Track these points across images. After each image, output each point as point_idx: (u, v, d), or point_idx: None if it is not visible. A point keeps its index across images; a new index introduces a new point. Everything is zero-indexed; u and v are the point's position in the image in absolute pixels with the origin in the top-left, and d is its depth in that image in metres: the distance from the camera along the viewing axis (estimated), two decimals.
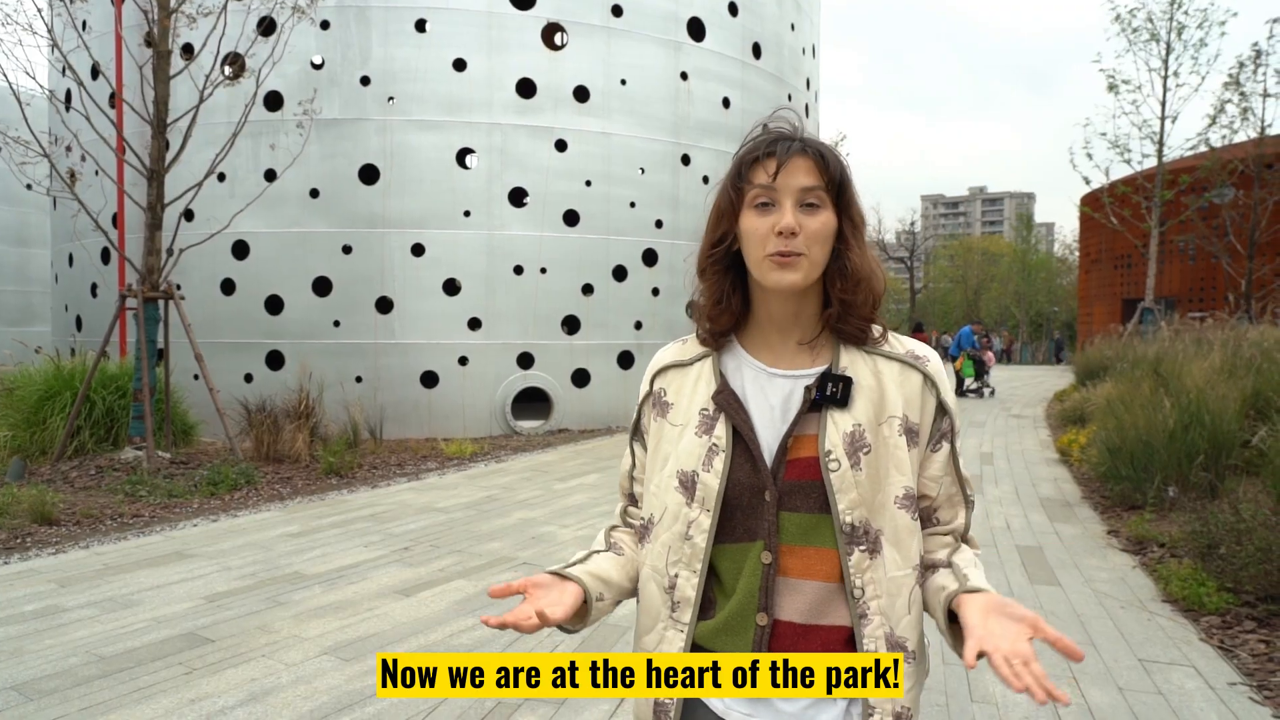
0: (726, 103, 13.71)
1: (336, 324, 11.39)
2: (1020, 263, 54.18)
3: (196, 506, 6.91)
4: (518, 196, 12.11)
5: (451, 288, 11.73)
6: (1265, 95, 21.40)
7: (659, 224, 12.87)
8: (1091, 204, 21.69)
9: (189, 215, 11.17)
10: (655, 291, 12.86)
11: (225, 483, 7.43)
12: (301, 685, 3.49)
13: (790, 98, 15.24)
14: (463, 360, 11.61)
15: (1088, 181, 20.86)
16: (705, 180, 13.41)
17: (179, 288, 11.02)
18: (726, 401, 1.33)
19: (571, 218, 12.20)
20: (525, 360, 11.93)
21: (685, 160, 13.16)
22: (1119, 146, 20.26)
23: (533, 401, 12.29)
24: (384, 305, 11.48)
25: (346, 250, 11.40)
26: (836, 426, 1.27)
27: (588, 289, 12.31)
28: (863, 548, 1.26)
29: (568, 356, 12.19)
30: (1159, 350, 10.05)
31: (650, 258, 12.86)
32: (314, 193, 11.38)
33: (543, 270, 11.96)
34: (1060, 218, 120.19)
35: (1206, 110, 20.52)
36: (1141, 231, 20.62)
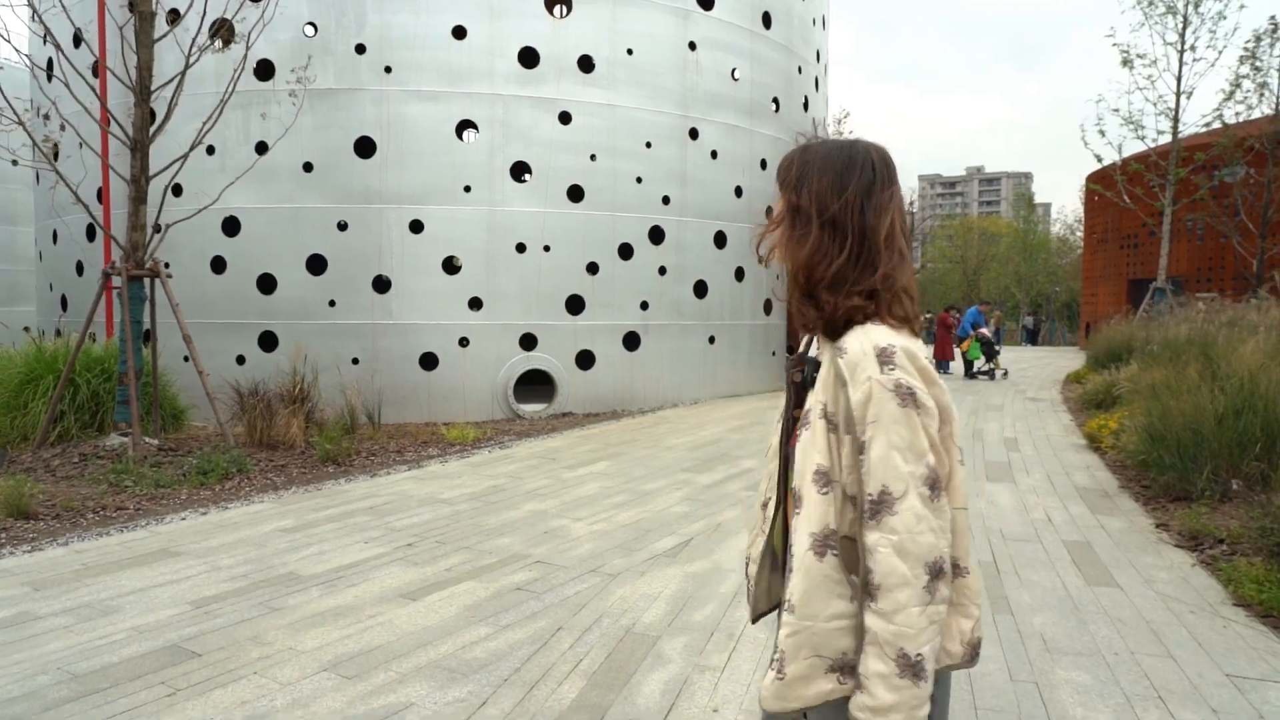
0: (735, 74, 13.22)
1: (332, 304, 10.95)
2: (1021, 243, 53.79)
3: (185, 498, 6.50)
4: (520, 171, 11.64)
5: (451, 266, 11.29)
6: None
7: (666, 200, 12.42)
8: (1103, 182, 21.24)
9: (177, 190, 10.70)
10: (662, 270, 12.43)
11: (216, 472, 7.03)
12: (298, 709, 3.11)
13: (800, 70, 14.75)
14: (463, 341, 11.19)
15: (1099, 159, 20.45)
16: (714, 155, 12.94)
17: (167, 265, 10.58)
18: (788, 372, 1.57)
19: (576, 193, 11.74)
20: (528, 341, 11.52)
21: (693, 134, 12.69)
22: (1132, 123, 19.82)
23: (536, 384, 11.89)
24: (381, 284, 11.04)
25: (342, 227, 10.94)
26: (806, 405, 1.46)
27: (592, 267, 11.88)
28: (798, 512, 1.40)
29: (572, 337, 11.78)
30: (1190, 331, 9.67)
31: (657, 235, 12.42)
32: (307, 166, 10.91)
33: (546, 248, 11.52)
34: (1056, 196, 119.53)
35: (1222, 86, 19.98)
36: (1153, 210, 20.21)
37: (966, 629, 1.42)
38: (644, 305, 12.30)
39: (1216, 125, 20.05)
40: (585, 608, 4.19)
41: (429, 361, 11.13)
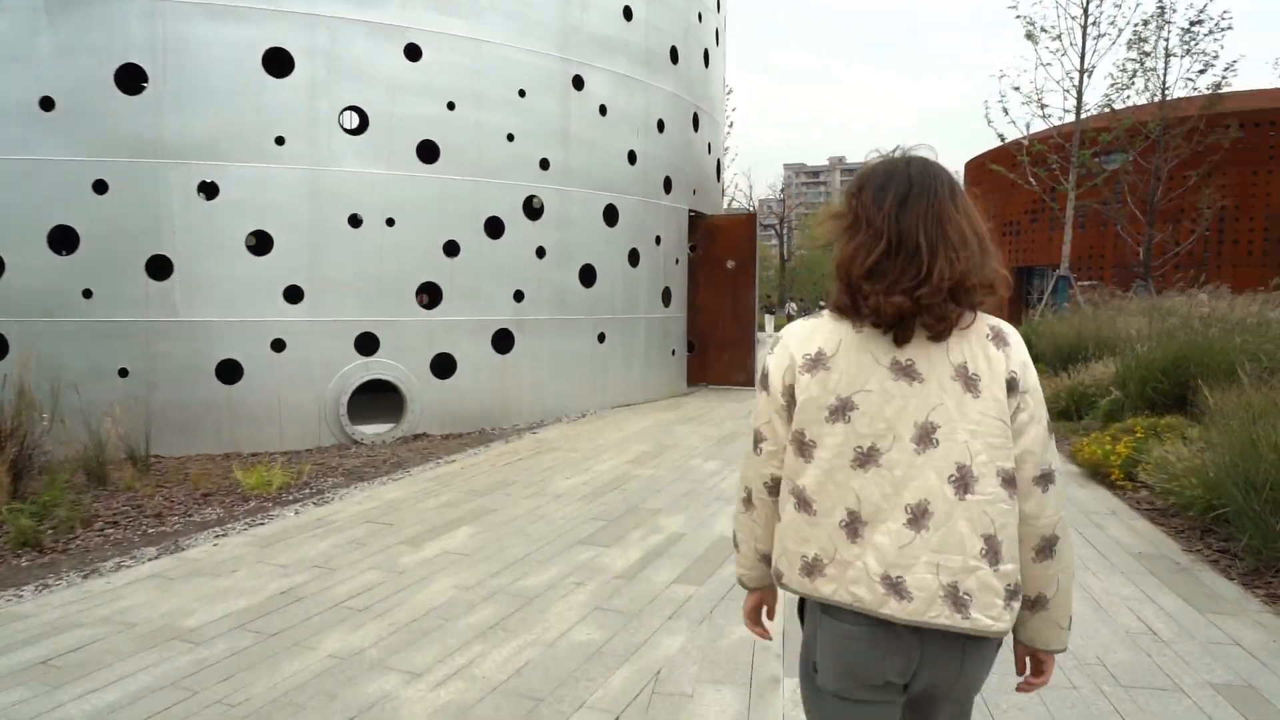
0: (628, 13, 10.87)
1: (88, 294, 7.96)
2: None
3: None
4: (354, 120, 8.93)
5: (260, 244, 8.48)
6: (1168, 55, 20.51)
7: (545, 164, 9.97)
8: (1002, 162, 20.20)
9: None
10: (540, 252, 9.99)
11: None
12: None
13: (700, 18, 12.55)
14: (278, 344, 8.43)
15: (1002, 138, 19.39)
16: (603, 111, 10.57)
17: None
18: None
19: (429, 151, 9.14)
20: (367, 343, 8.85)
21: (578, 83, 10.27)
22: (1034, 101, 18.84)
23: (379, 393, 9.26)
24: (160, 268, 8.13)
25: (100, 188, 7.95)
26: None
27: (451, 248, 9.31)
28: None
29: (425, 337, 9.18)
30: (1180, 326, 8.08)
31: (534, 208, 9.97)
32: (47, 104, 7.84)
33: (389, 222, 8.87)
34: None
35: (1110, 70, 19.30)
36: (1055, 193, 19.31)
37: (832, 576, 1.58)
38: (518, 296, 9.84)
39: (1110, 110, 19.40)
40: None
41: (230, 372, 8.31)
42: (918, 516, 1.50)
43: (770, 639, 1.89)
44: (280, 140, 8.36)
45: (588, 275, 10.65)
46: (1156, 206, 20.70)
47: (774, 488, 1.66)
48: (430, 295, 9.41)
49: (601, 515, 5.81)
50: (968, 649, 1.53)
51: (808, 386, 1.56)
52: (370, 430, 8.95)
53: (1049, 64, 19.07)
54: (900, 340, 1.54)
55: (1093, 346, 10.04)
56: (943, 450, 1.50)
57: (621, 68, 10.77)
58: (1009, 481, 1.51)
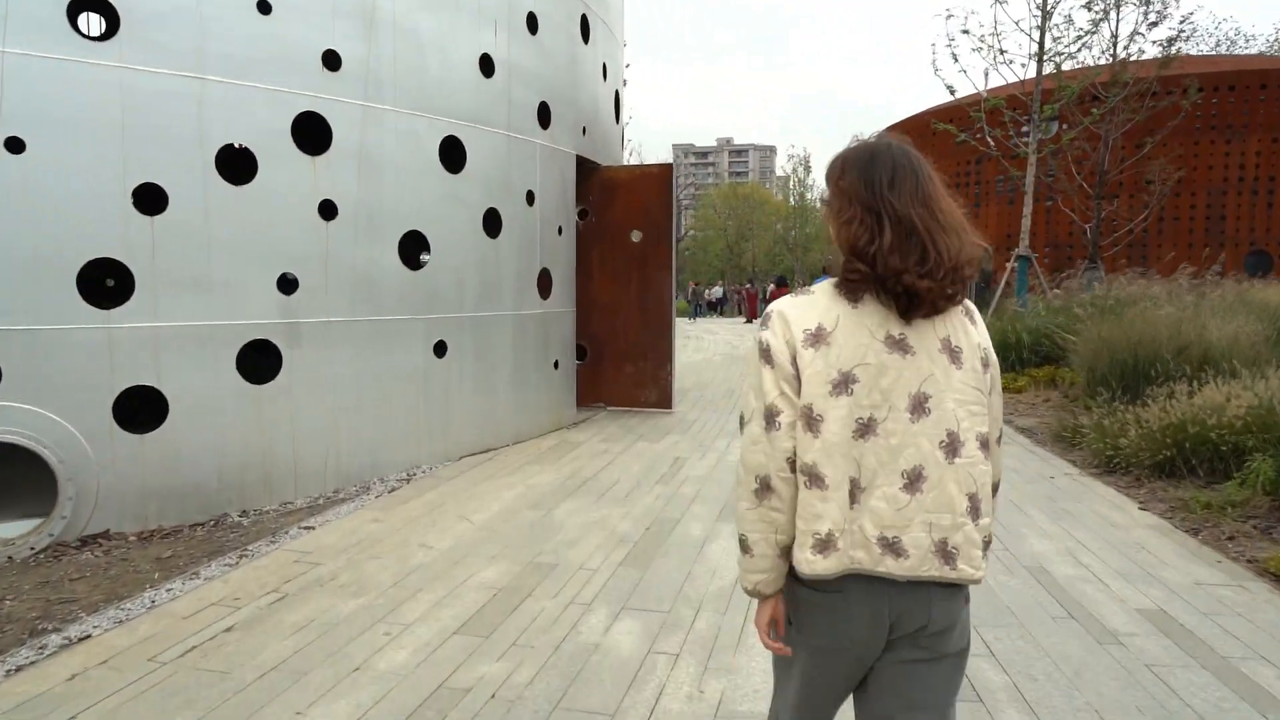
0: None
1: None
2: (795, 208, 52.24)
3: None
4: None
5: None
6: (1119, 4, 17.97)
7: (332, 61, 5.93)
8: (957, 121, 17.16)
9: None
10: (329, 210, 5.96)
11: None
12: None
13: None
14: None
15: (952, 91, 16.34)
16: None
17: None
18: None
19: (100, 18, 4.99)
20: None
21: None
22: (989, 47, 15.86)
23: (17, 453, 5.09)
24: None
25: None
26: None
27: (150, 198, 5.19)
28: None
29: (101, 358, 5.04)
30: None
31: (315, 134, 5.93)
32: None
33: (13, 144, 4.69)
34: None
35: (1056, 22, 16.54)
36: (1019, 160, 16.45)
37: (821, 533, 1.56)
38: (288, 284, 5.79)
39: (1068, 67, 16.77)
40: None
41: None
42: (913, 481, 1.56)
43: (791, 655, 1.69)
44: None
45: (415, 250, 6.69)
46: (1107, 178, 18.29)
47: (794, 464, 1.58)
48: (109, 282, 5.29)
49: None
50: (934, 598, 1.58)
51: (812, 361, 1.57)
52: None
53: (1003, 1, 15.80)
54: (906, 316, 1.57)
55: (1173, 359, 6.79)
56: (934, 418, 1.57)
57: None
58: (984, 444, 1.61)
